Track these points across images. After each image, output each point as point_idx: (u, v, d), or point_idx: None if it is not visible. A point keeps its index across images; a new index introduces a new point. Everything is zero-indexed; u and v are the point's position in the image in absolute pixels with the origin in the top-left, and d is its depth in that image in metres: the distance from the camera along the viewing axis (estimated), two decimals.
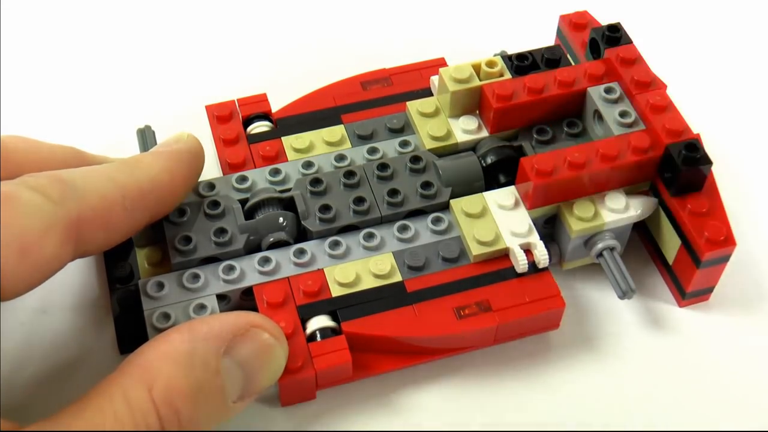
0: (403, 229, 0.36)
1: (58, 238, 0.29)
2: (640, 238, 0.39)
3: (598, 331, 0.37)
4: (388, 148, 0.39)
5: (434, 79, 0.40)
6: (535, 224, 0.36)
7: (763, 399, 0.35)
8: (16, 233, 0.28)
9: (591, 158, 0.36)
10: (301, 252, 0.36)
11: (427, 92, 0.41)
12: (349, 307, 0.34)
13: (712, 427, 0.34)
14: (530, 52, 0.40)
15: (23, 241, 0.28)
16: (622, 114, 0.37)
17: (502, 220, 0.36)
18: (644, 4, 0.50)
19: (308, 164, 0.38)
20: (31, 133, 0.35)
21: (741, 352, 0.37)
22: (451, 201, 0.37)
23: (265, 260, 0.35)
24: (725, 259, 0.36)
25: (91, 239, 0.31)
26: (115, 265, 0.36)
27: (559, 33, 0.43)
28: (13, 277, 0.28)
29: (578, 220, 0.36)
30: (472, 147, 0.39)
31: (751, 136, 0.44)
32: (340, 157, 0.38)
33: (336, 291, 0.35)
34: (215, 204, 0.36)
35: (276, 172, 0.38)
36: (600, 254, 0.36)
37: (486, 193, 0.37)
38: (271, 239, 0.36)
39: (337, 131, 0.39)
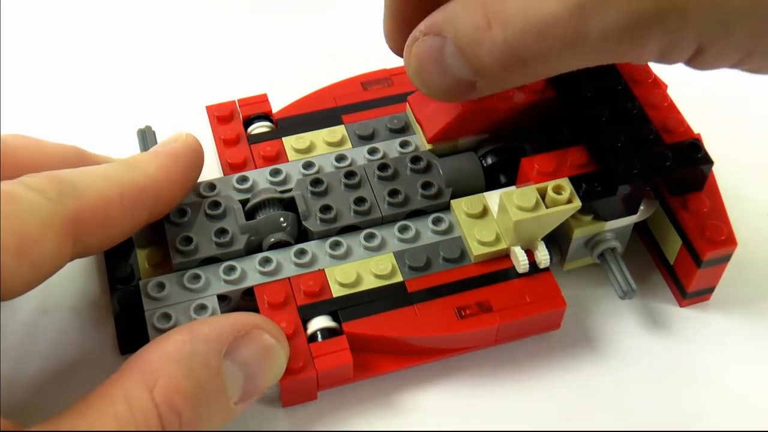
0: (404, 229, 0.36)
1: (57, 237, 0.29)
2: (641, 239, 0.39)
3: (599, 332, 0.37)
4: (389, 148, 0.39)
5: None
6: None
7: (764, 399, 0.35)
8: (14, 231, 0.28)
9: (592, 159, 0.36)
10: (301, 252, 0.36)
11: None
12: (350, 307, 0.34)
13: (712, 427, 0.34)
14: None
15: (22, 239, 0.28)
16: None
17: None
18: None
19: (309, 164, 0.38)
20: (32, 133, 0.35)
21: (741, 352, 0.37)
22: (452, 201, 0.37)
23: (266, 261, 0.35)
24: (726, 259, 0.36)
25: (90, 238, 0.31)
26: (116, 266, 0.36)
27: None
28: (12, 275, 0.28)
29: (579, 221, 0.36)
30: (473, 147, 0.39)
31: (752, 136, 0.44)
32: (341, 158, 0.39)
33: (337, 291, 0.35)
34: (216, 204, 0.36)
35: (277, 172, 0.38)
36: (601, 254, 0.36)
37: (487, 194, 0.37)
38: (272, 240, 0.36)
39: (337, 131, 0.39)
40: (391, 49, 0.35)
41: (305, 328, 0.34)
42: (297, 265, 0.35)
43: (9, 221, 0.28)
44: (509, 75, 0.29)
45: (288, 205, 0.37)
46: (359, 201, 0.37)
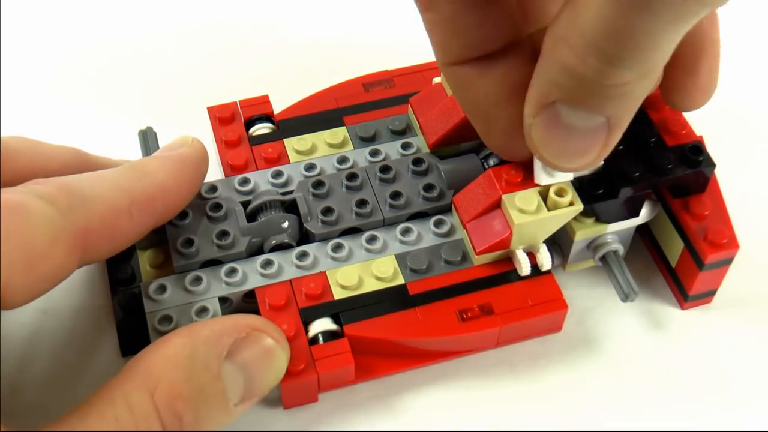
0: (406, 231, 0.36)
1: (66, 249, 0.29)
2: (643, 241, 0.39)
3: (601, 334, 0.37)
4: (391, 150, 0.39)
5: (436, 81, 0.40)
6: None
7: (765, 401, 0.35)
8: (23, 244, 0.28)
9: None
10: (303, 254, 0.35)
11: None
12: (351, 309, 0.34)
13: (713, 428, 0.34)
14: None
15: (31, 252, 0.28)
16: None
17: None
18: None
19: (310, 166, 0.38)
20: (32, 135, 0.35)
21: (743, 355, 0.37)
22: (454, 202, 0.37)
23: (267, 263, 0.35)
24: (728, 261, 0.36)
25: (97, 248, 0.31)
26: (118, 268, 0.36)
27: None
28: (19, 288, 0.28)
29: (581, 223, 0.36)
30: (475, 149, 0.39)
31: (754, 138, 0.44)
32: (343, 159, 0.38)
33: (338, 294, 0.35)
34: (217, 206, 0.36)
35: (278, 174, 0.38)
36: (603, 257, 0.36)
37: None
38: (273, 242, 0.36)
39: (339, 133, 0.39)
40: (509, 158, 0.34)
41: (306, 331, 0.34)
42: (298, 267, 0.35)
43: (19, 235, 0.28)
44: (639, 82, 0.27)
45: (289, 207, 0.37)
46: (361, 203, 0.36)
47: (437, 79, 0.40)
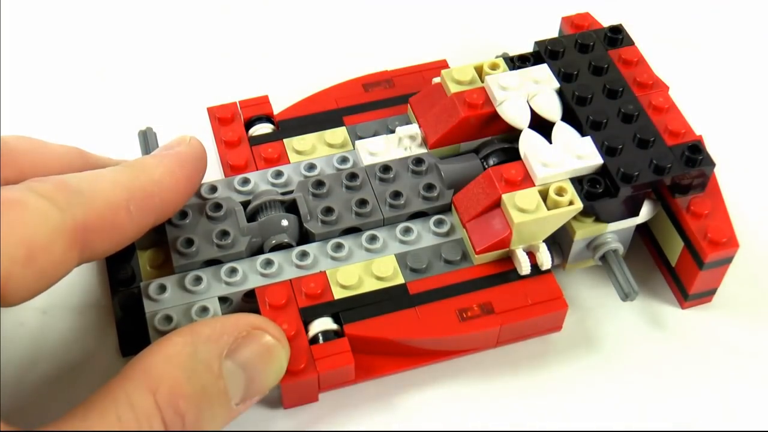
0: (406, 231, 0.36)
1: (65, 245, 0.29)
2: (643, 240, 0.39)
3: (601, 333, 0.37)
4: None
5: (436, 81, 0.40)
6: None
7: (764, 400, 0.35)
8: (23, 239, 0.28)
9: None
10: (303, 254, 0.35)
11: None
12: (351, 309, 0.34)
13: (713, 427, 0.34)
14: (531, 54, 0.40)
15: (30, 247, 0.28)
16: None
17: None
18: (647, 6, 0.50)
19: (310, 166, 0.38)
20: (33, 134, 0.35)
21: (743, 354, 0.37)
22: (454, 202, 0.37)
23: (267, 262, 0.35)
24: (728, 260, 0.36)
25: (97, 244, 0.31)
26: (117, 268, 0.36)
27: (561, 35, 0.43)
28: (19, 283, 0.28)
29: (581, 223, 0.36)
30: (475, 149, 0.39)
31: (754, 138, 0.44)
32: (342, 159, 0.38)
33: (338, 293, 0.35)
34: (217, 206, 0.36)
35: (278, 174, 0.38)
36: (603, 256, 0.36)
37: None
38: (273, 241, 0.36)
39: (339, 133, 0.39)
40: None
41: (307, 330, 0.34)
42: (298, 267, 0.35)
43: (18, 230, 0.28)
44: None
45: (289, 207, 0.37)
46: (361, 203, 0.36)
47: (437, 79, 0.40)
